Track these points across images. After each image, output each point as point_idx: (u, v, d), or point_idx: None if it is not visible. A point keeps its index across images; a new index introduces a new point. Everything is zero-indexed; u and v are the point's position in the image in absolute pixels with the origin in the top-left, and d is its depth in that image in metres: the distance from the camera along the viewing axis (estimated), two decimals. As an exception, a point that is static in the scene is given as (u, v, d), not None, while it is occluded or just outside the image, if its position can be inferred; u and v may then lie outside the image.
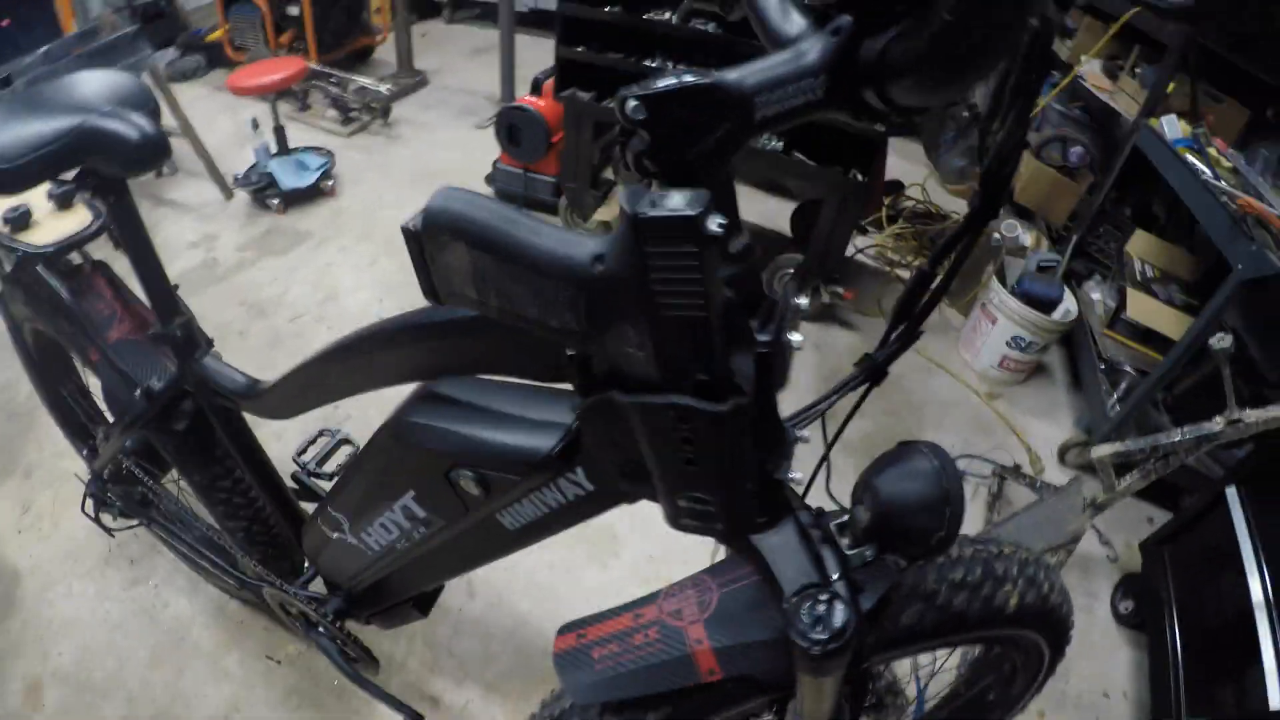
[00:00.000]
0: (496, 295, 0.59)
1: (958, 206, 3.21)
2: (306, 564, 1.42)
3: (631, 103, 0.57)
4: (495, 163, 3.15)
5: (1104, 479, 1.94)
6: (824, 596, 0.72)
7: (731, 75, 0.59)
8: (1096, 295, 2.60)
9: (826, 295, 2.44)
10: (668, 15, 2.40)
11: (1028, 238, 2.61)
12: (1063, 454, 2.44)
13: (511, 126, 2.89)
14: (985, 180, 0.73)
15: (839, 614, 0.71)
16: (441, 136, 3.94)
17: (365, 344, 0.90)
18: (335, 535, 1.15)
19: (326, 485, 1.29)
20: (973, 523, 2.21)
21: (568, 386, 0.71)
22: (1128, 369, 2.39)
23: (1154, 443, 1.82)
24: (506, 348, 0.80)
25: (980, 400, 2.57)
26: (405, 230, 0.58)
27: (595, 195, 2.85)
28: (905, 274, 2.85)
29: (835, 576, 0.75)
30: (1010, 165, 0.70)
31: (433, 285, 0.60)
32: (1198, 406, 2.17)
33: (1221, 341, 1.66)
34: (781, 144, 2.36)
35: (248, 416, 1.27)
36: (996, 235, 2.57)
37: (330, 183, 3.26)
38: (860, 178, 2.25)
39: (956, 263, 0.81)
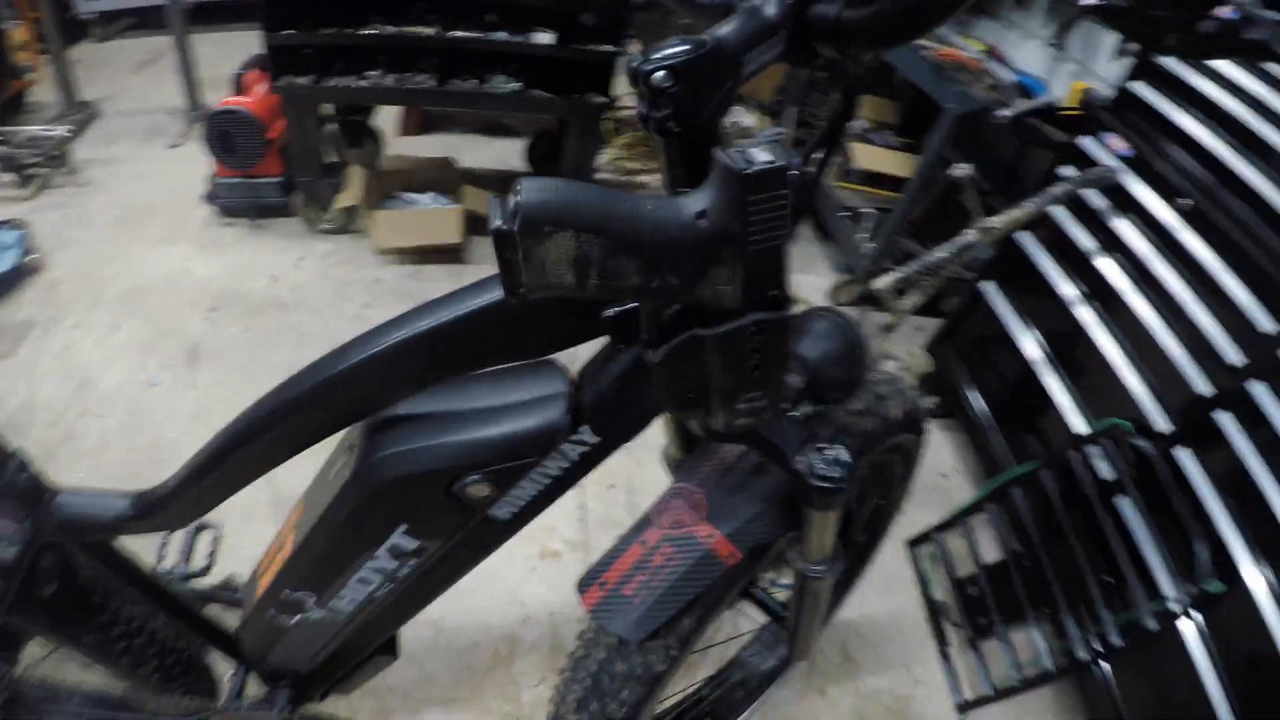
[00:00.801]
0: (598, 274, 0.59)
1: None
2: (230, 672, 1.27)
3: (659, 74, 0.61)
4: (212, 177, 2.85)
5: (889, 305, 2.23)
6: (823, 446, 0.86)
7: (722, 34, 0.65)
8: (819, 155, 2.90)
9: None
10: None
11: (749, 119, 2.85)
12: (835, 296, 2.76)
13: (223, 134, 2.62)
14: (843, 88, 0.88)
15: (844, 453, 0.86)
16: (138, 168, 3.47)
17: (299, 400, 0.86)
18: (297, 619, 1.06)
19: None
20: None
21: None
22: (868, 210, 2.73)
23: (924, 263, 2.11)
24: (514, 331, 0.80)
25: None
26: (498, 232, 0.56)
27: (330, 183, 2.69)
28: (647, 179, 2.99)
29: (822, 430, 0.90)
30: (857, 72, 0.82)
31: (520, 281, 0.58)
32: (933, 229, 2.54)
33: (962, 169, 1.97)
34: (521, 83, 2.38)
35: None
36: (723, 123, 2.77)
37: (34, 256, 2.78)
38: (599, 99, 2.34)
39: (825, 159, 0.97)
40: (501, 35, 2.11)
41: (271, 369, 1.91)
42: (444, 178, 2.41)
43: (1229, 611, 1.51)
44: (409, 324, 0.79)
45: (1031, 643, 1.84)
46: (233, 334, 2.03)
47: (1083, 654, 1.70)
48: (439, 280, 2.26)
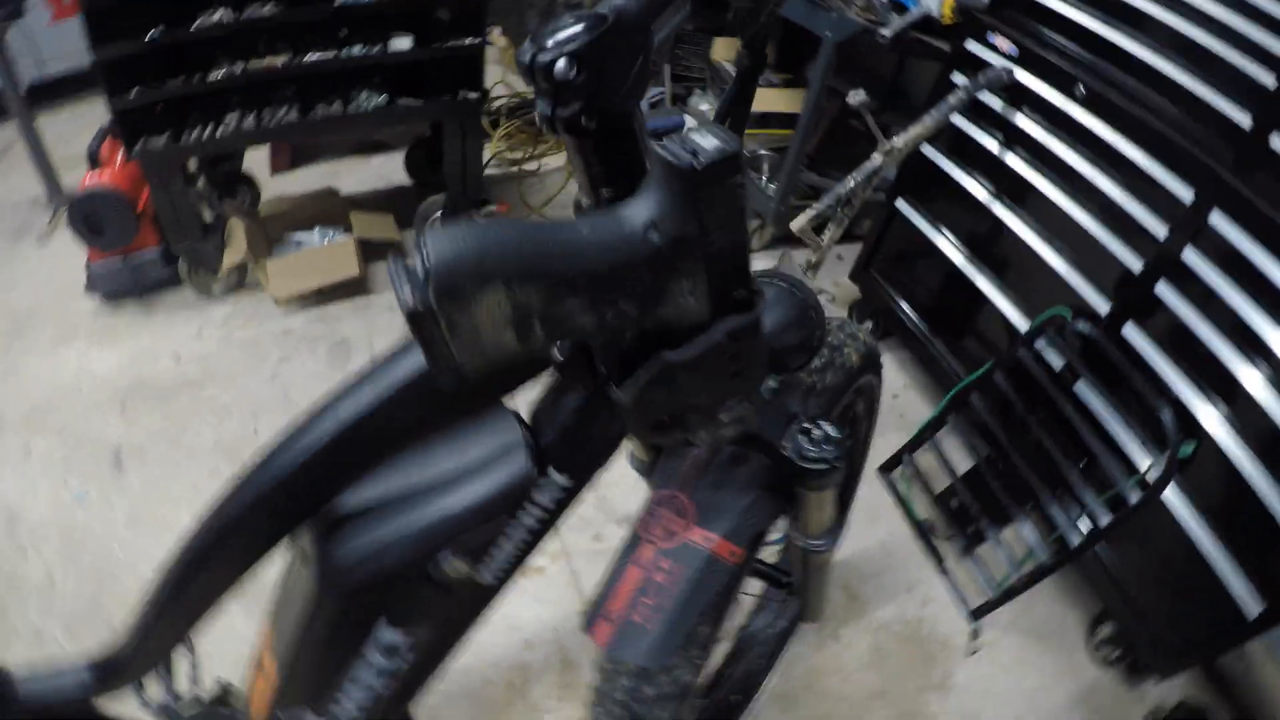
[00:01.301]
0: (542, 325, 0.51)
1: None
2: None
3: (561, 63, 0.52)
4: (87, 264, 2.62)
5: (810, 243, 2.22)
6: (807, 427, 0.83)
7: (620, 3, 0.56)
8: (705, 106, 2.87)
9: (483, 219, 2.44)
10: (218, 15, 2.08)
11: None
12: (751, 240, 2.74)
13: (88, 217, 2.40)
14: (749, 41, 0.81)
15: (830, 428, 0.82)
16: (11, 272, 3.08)
17: (238, 518, 0.76)
18: None
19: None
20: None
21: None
22: (763, 152, 2.71)
23: (838, 195, 2.10)
24: (452, 395, 0.68)
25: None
26: (412, 314, 0.46)
27: (214, 243, 2.50)
28: (532, 166, 2.90)
29: (797, 409, 0.86)
30: (765, 21, 0.76)
31: (451, 360, 0.49)
32: (830, 159, 2.54)
33: (857, 95, 1.95)
34: (387, 95, 2.24)
35: None
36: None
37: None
38: (473, 95, 2.23)
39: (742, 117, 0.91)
40: (357, 49, 1.99)
41: (198, 455, 1.79)
42: (329, 209, 2.28)
43: (1202, 464, 1.57)
44: (334, 413, 0.69)
45: (1023, 539, 1.88)
46: (150, 427, 1.89)
47: (1074, 539, 1.74)
48: (347, 318, 2.16)
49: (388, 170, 2.64)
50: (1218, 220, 1.50)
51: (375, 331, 2.16)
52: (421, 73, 2.13)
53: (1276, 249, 1.44)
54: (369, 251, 2.25)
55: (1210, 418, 1.56)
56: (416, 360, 0.66)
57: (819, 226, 2.20)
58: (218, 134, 2.05)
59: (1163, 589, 1.72)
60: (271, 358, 2.06)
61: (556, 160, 2.89)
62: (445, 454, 0.78)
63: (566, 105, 0.54)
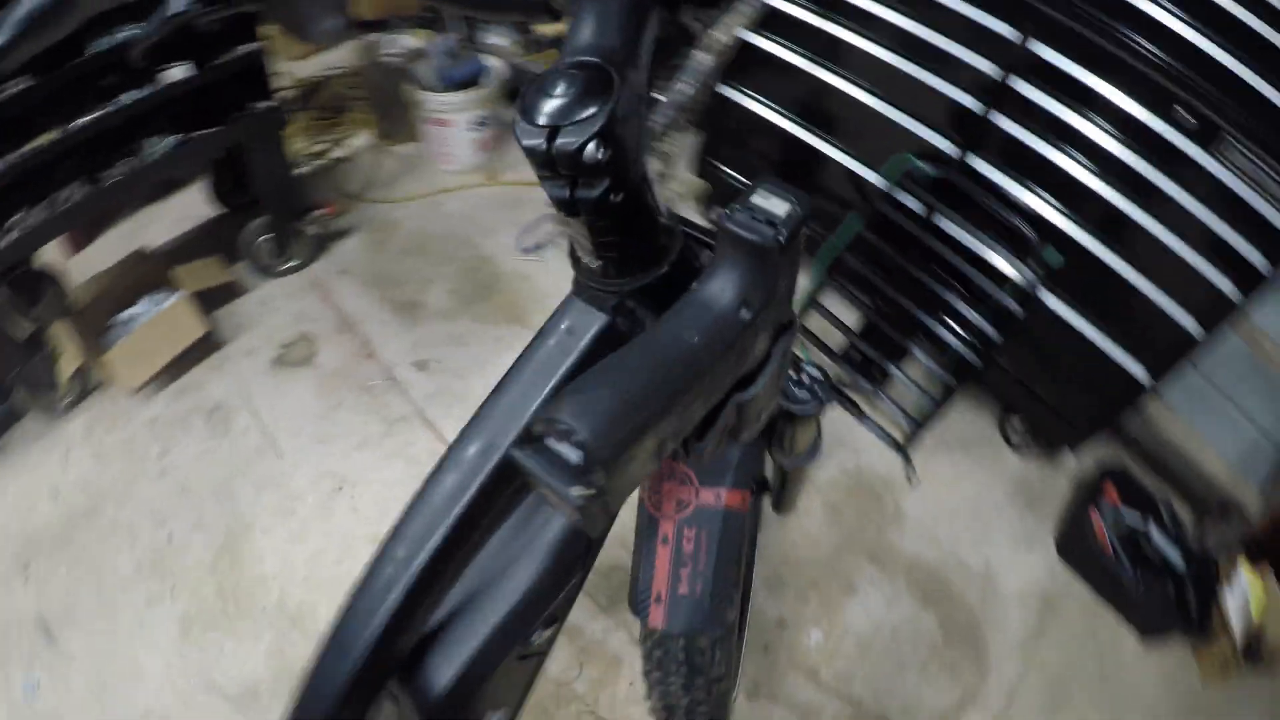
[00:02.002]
0: (674, 440, 0.51)
1: (320, 65, 2.99)
2: None
3: (591, 146, 0.48)
4: None
5: (660, 155, 2.21)
6: (795, 374, 0.88)
7: (601, 43, 0.52)
8: (495, 39, 2.73)
9: (312, 226, 2.27)
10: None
11: (412, 39, 2.61)
12: None
13: None
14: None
15: (815, 370, 0.88)
16: None
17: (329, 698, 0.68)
18: None
19: None
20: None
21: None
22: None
23: (678, 99, 2.09)
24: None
25: (491, 187, 2.68)
26: (582, 504, 0.44)
27: (41, 357, 2.12)
28: (342, 151, 2.70)
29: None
30: None
31: (609, 512, 0.47)
32: (657, 59, 2.50)
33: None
34: (175, 138, 1.97)
35: None
36: (388, 58, 2.53)
37: None
38: (266, 104, 2.02)
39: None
40: (131, 94, 1.73)
41: (125, 587, 1.65)
42: (148, 274, 2.04)
43: (1066, 266, 1.75)
44: (397, 568, 0.65)
45: (925, 368, 2.05)
46: (62, 580, 1.69)
47: (972, 359, 1.91)
48: (210, 382, 1.98)
49: (189, 207, 2.37)
50: (1042, 50, 1.63)
51: (244, 384, 2.01)
52: (207, 97, 1.90)
53: (1092, 63, 1.59)
54: (207, 301, 2.06)
55: (1061, 219, 1.74)
56: (460, 481, 0.65)
57: (660, 135, 2.19)
58: (7, 240, 1.75)
59: (1056, 375, 1.94)
60: (151, 453, 1.88)
61: (361, 138, 2.70)
62: (488, 547, 0.78)
63: (592, 187, 0.51)
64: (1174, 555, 1.82)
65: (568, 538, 0.79)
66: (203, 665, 1.59)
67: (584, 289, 0.65)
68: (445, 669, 0.74)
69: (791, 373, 0.93)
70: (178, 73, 1.78)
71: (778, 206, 0.52)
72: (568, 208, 0.53)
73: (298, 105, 2.69)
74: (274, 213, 2.14)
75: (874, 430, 2.09)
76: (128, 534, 1.75)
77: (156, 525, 1.77)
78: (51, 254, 1.99)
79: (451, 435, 2.15)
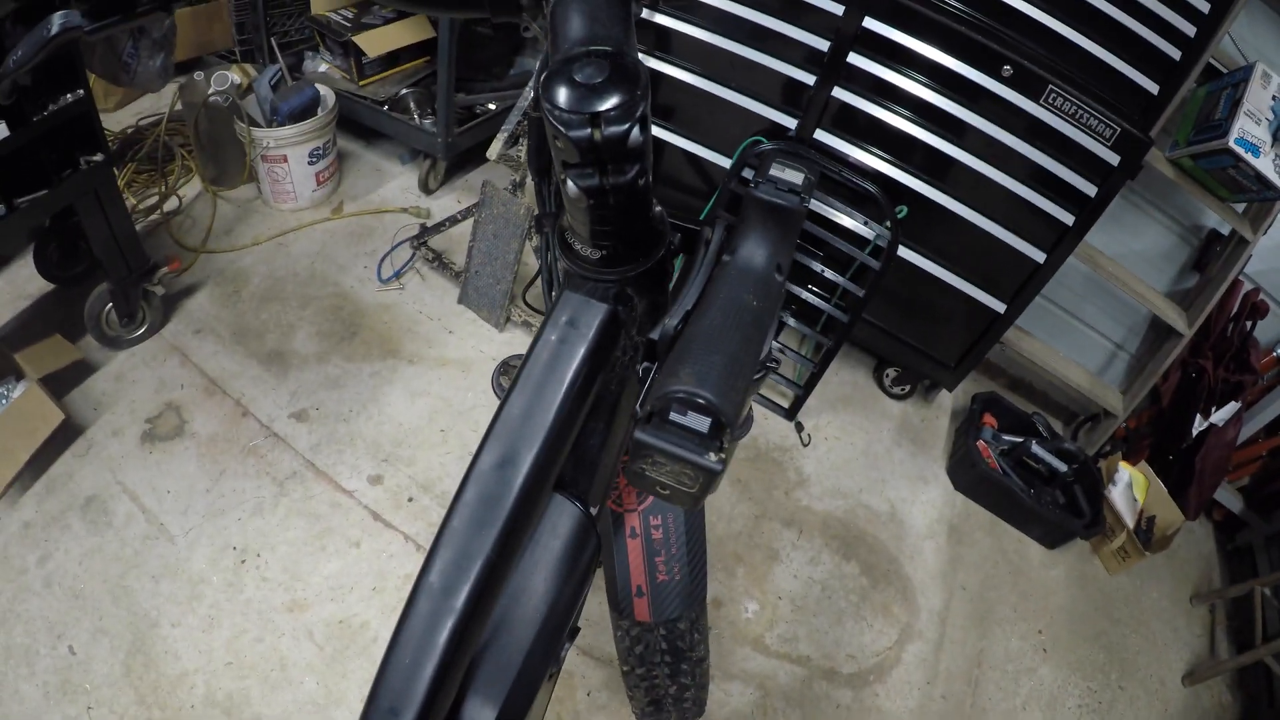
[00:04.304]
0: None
1: (134, 113, 2.76)
2: None
3: (636, 130, 0.49)
4: None
5: (510, 163, 2.19)
6: None
7: (602, 34, 0.53)
8: (324, 67, 2.62)
9: (159, 287, 2.10)
10: None
11: (235, 74, 2.44)
12: (426, 184, 2.71)
13: None
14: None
15: None
16: None
17: None
18: None
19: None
20: (446, 296, 2.41)
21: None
22: (405, 91, 2.57)
23: (521, 108, 2.08)
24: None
25: (336, 220, 2.59)
26: (711, 471, 0.50)
27: None
28: (173, 204, 2.50)
29: None
30: None
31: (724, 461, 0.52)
32: (469, 75, 2.47)
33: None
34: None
35: None
36: (215, 98, 2.36)
37: None
38: (95, 159, 1.83)
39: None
40: None
41: (34, 711, 1.47)
42: None
43: (913, 215, 1.89)
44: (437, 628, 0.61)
45: (802, 337, 2.16)
46: None
47: (838, 317, 2.02)
48: (79, 471, 1.78)
49: (16, 285, 2.11)
50: (869, 23, 1.74)
51: (116, 468, 1.84)
52: (29, 156, 1.69)
53: (918, 31, 1.72)
54: (57, 385, 1.86)
55: (902, 175, 1.87)
56: (485, 498, 0.62)
57: (516, 140, 2.18)
58: None
59: (922, 322, 2.09)
60: (30, 564, 1.69)
61: (191, 187, 2.50)
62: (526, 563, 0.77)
63: (624, 172, 0.52)
64: (1056, 463, 2.01)
65: (579, 541, 0.78)
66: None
67: (581, 282, 0.65)
68: (485, 712, 0.71)
69: None
70: None
71: (794, 176, 0.56)
72: (597, 194, 0.53)
73: (116, 160, 2.46)
74: (115, 278, 1.96)
75: (761, 402, 2.18)
76: (24, 657, 1.57)
77: (55, 641, 1.60)
78: None
79: (348, 481, 2.10)
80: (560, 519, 0.78)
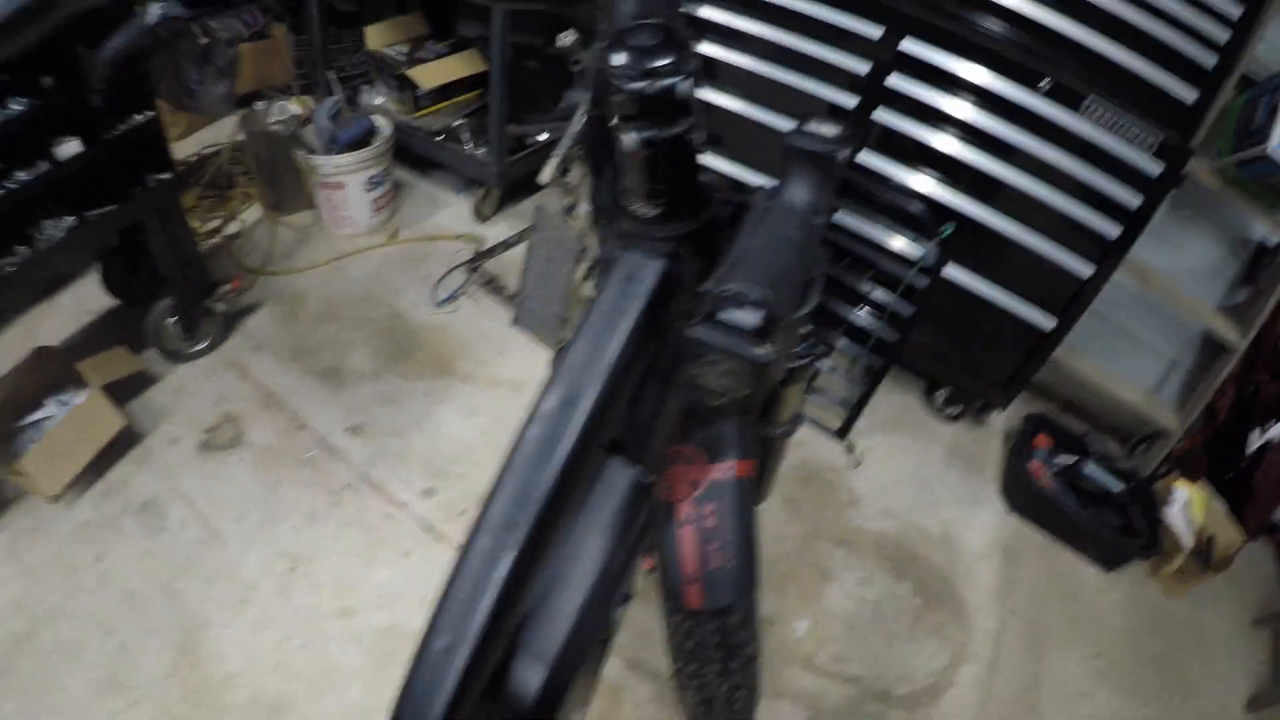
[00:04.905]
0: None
1: (199, 142, 2.86)
2: None
3: (688, 83, 0.56)
4: None
5: (561, 188, 2.24)
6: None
7: (651, 10, 0.60)
8: (380, 99, 2.72)
9: (219, 304, 2.17)
10: None
11: (294, 106, 2.55)
12: (480, 212, 2.77)
13: None
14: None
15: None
16: None
17: None
18: None
19: None
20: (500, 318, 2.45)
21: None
22: (459, 122, 2.66)
23: (573, 134, 2.13)
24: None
25: (392, 246, 2.66)
26: (755, 364, 0.54)
27: None
28: (235, 228, 2.59)
29: None
30: None
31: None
32: (521, 107, 2.55)
33: (569, 37, 1.97)
34: (71, 219, 1.81)
35: None
36: (275, 127, 2.47)
37: None
38: (165, 176, 1.91)
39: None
40: (21, 175, 1.60)
41: (80, 704, 1.50)
42: (51, 374, 1.87)
43: (959, 234, 1.88)
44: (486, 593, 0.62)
45: (853, 359, 2.15)
46: (10, 715, 1.53)
47: (888, 338, 2.02)
48: (135, 477, 1.82)
49: (81, 301, 2.18)
50: (906, 44, 1.77)
51: (173, 475, 1.88)
52: (102, 172, 1.77)
53: (954, 51, 1.75)
54: (118, 394, 1.92)
55: (948, 195, 1.88)
56: (547, 437, 0.64)
57: (565, 170, 2.23)
58: None
59: (971, 342, 2.08)
60: (85, 562, 1.72)
61: (252, 212, 2.60)
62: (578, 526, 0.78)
63: (676, 124, 0.58)
64: (1111, 483, 1.97)
65: (634, 504, 0.79)
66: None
67: (636, 241, 0.69)
68: (534, 670, 0.71)
69: None
70: (71, 148, 1.67)
71: (830, 129, 0.59)
72: (651, 145, 0.60)
73: (180, 185, 2.56)
74: (179, 293, 2.03)
75: (811, 422, 2.17)
76: (74, 652, 1.60)
77: (104, 637, 1.62)
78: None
79: (401, 494, 2.13)
80: (615, 481, 0.80)
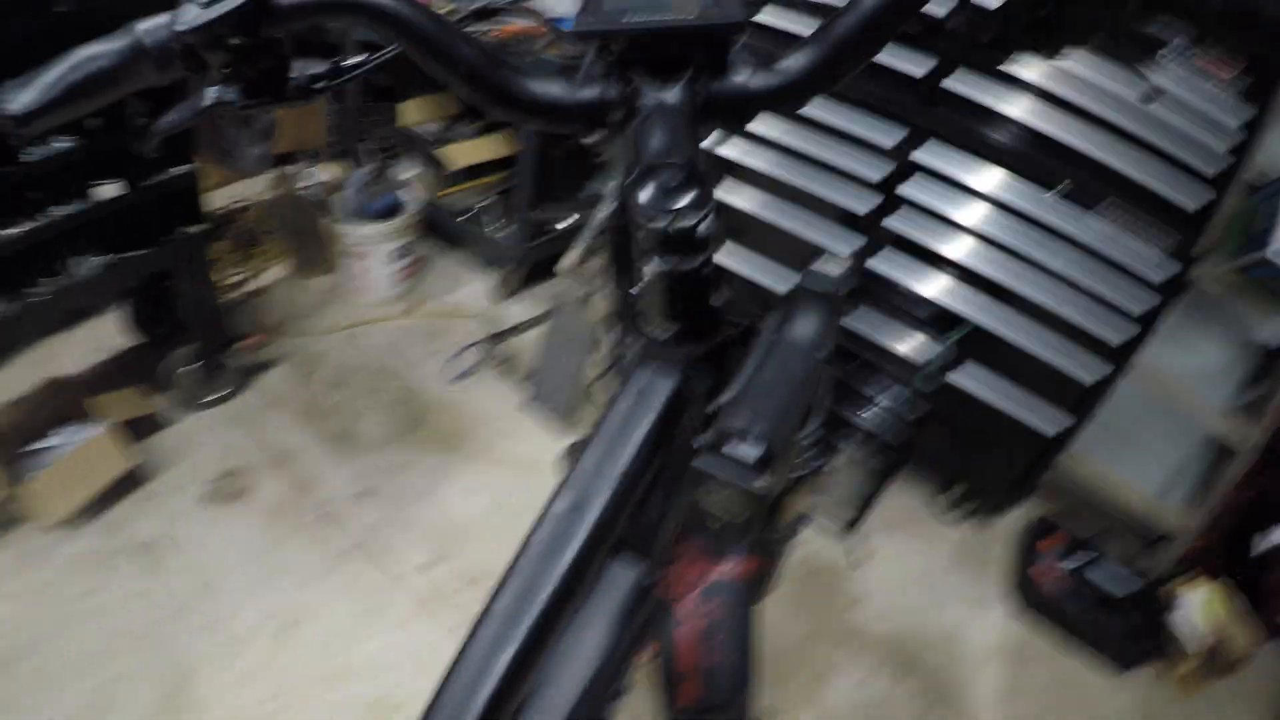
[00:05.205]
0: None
1: (230, 196, 2.90)
2: None
3: (707, 223, 0.61)
4: None
5: (578, 276, 2.29)
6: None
7: (676, 149, 0.64)
8: (408, 174, 2.81)
9: (236, 359, 2.19)
10: None
11: (325, 172, 2.64)
12: (505, 289, 2.81)
13: None
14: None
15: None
16: None
17: None
18: None
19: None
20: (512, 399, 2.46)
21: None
22: (485, 203, 2.74)
23: (597, 221, 2.20)
24: None
25: (411, 319, 2.70)
26: (752, 497, 0.60)
27: None
28: (258, 284, 2.63)
29: None
30: None
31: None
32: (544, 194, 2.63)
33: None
34: (105, 258, 1.84)
35: None
36: (305, 191, 2.54)
37: None
38: (193, 230, 1.96)
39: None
40: (62, 209, 1.65)
41: None
42: (63, 404, 1.87)
43: (971, 337, 1.93)
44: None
45: (857, 455, 2.16)
46: None
47: (895, 440, 2.03)
48: (135, 519, 1.79)
49: (100, 337, 2.22)
50: (921, 154, 1.87)
51: (174, 522, 1.86)
52: (138, 217, 1.82)
53: (964, 158, 1.83)
54: (128, 434, 1.91)
55: (961, 298, 1.93)
56: (554, 538, 0.66)
57: (590, 256, 2.29)
58: None
59: (976, 446, 2.11)
60: (74, 595, 1.68)
61: (276, 271, 2.65)
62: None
63: (694, 260, 0.62)
64: (1121, 585, 1.95)
65: (635, 599, 0.81)
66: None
67: (652, 359, 0.74)
68: None
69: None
70: (112, 190, 1.73)
71: (834, 268, 0.64)
72: (667, 277, 0.64)
73: (216, 235, 2.61)
74: (200, 342, 2.05)
75: (817, 520, 2.17)
76: (55, 685, 1.55)
77: (86, 675, 1.58)
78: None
79: (397, 568, 2.14)
80: (618, 580, 0.83)
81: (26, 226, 1.62)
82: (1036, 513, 2.28)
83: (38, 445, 1.84)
